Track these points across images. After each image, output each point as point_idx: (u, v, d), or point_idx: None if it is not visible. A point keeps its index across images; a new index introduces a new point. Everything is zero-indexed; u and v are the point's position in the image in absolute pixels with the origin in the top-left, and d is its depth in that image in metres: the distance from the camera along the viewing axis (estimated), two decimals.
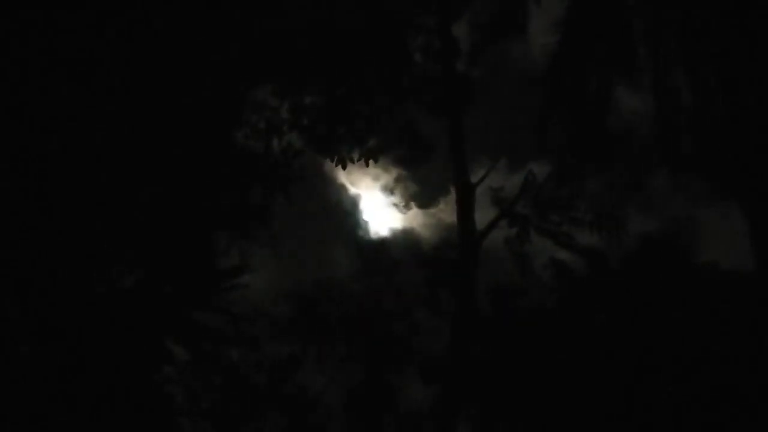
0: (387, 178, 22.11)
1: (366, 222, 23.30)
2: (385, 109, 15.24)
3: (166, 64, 7.14)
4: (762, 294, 11.81)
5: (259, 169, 11.88)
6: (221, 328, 6.99)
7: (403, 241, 22.21)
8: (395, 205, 22.56)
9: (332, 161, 14.72)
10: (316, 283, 20.28)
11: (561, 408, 14.72)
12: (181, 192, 7.27)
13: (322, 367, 19.95)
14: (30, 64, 6.40)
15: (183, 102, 7.36)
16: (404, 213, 22.71)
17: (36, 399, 6.16)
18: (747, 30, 10.75)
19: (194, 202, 7.46)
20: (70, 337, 6.31)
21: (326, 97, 14.58)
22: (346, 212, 23.29)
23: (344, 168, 14.94)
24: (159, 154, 7.11)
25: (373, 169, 16.42)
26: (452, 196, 17.54)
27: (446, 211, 21.00)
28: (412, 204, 22.81)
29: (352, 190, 23.47)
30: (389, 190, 22.47)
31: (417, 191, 22.65)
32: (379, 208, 22.98)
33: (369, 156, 14.94)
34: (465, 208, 17.10)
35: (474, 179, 17.31)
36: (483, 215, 17.48)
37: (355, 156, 14.84)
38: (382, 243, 22.00)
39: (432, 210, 23.20)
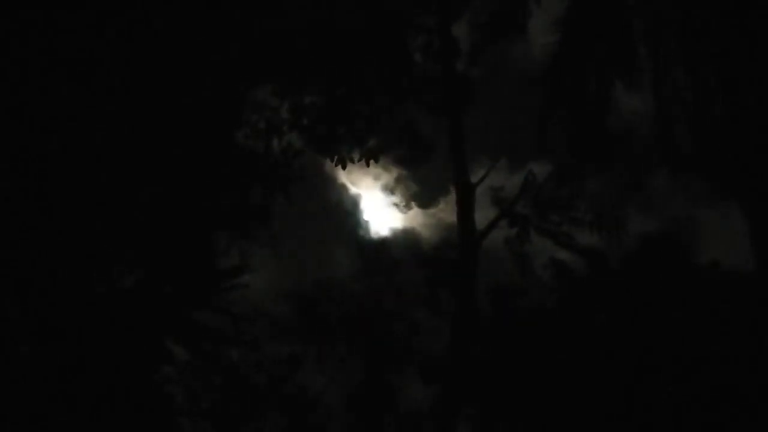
0: (387, 177, 22.12)
1: (366, 222, 23.30)
2: (385, 109, 15.25)
3: (166, 64, 7.14)
4: (762, 294, 11.81)
5: (259, 169, 11.88)
6: (221, 328, 6.99)
7: (403, 240, 22.22)
8: (396, 204, 22.56)
9: (332, 161, 14.72)
10: (316, 283, 20.28)
11: (561, 408, 14.72)
12: (181, 192, 7.27)
13: (322, 367, 19.95)
14: (30, 64, 6.40)
15: (183, 102, 7.36)
16: (405, 213, 22.71)
17: (36, 399, 6.15)
18: (747, 30, 10.75)
19: (194, 202, 7.46)
20: (70, 337, 6.31)
21: (326, 97, 14.59)
22: (347, 212, 23.30)
23: (344, 168, 14.95)
24: (159, 155, 7.11)
25: (373, 168, 16.44)
26: (453, 195, 17.56)
27: (447, 210, 21.00)
28: (413, 204, 22.81)
29: (353, 189, 23.48)
30: (390, 189, 22.47)
31: (417, 191, 22.65)
32: (380, 208, 22.98)
33: (369, 156, 14.94)
34: (465, 208, 17.10)
35: (474, 179, 17.32)
36: (483, 215, 17.50)
37: (356, 156, 14.85)
38: (382, 243, 22.01)
39: (432, 210, 23.20)
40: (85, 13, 6.67)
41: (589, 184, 17.40)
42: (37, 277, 6.34)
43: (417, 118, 16.99)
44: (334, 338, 20.05)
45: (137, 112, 6.90)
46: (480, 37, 17.41)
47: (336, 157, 14.64)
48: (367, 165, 15.07)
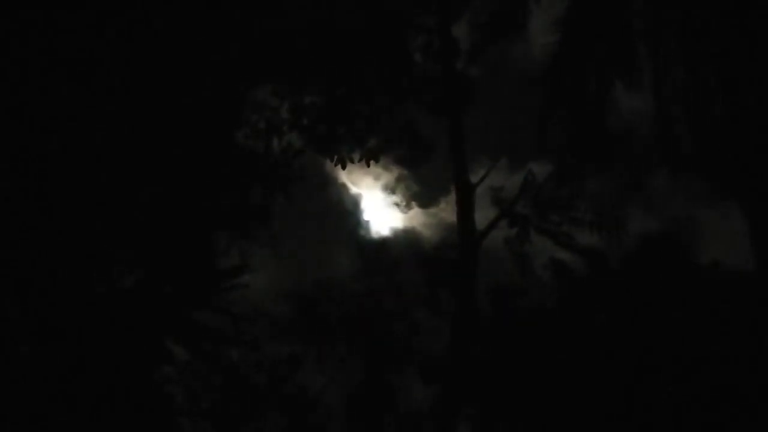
0: (388, 177, 22.11)
1: (367, 222, 23.30)
2: (385, 109, 15.25)
3: (166, 64, 7.14)
4: (762, 294, 11.81)
5: (259, 169, 11.90)
6: (221, 328, 6.99)
7: (404, 240, 22.22)
8: (396, 204, 22.54)
9: (332, 161, 14.72)
10: (316, 283, 20.28)
11: (561, 408, 14.72)
12: (181, 192, 7.27)
13: (322, 367, 19.95)
14: (30, 64, 6.40)
15: (183, 102, 7.36)
16: (405, 212, 22.69)
17: (36, 399, 6.15)
18: (747, 30, 10.75)
19: (194, 202, 7.46)
20: (70, 337, 6.31)
21: (326, 97, 14.58)
22: (347, 212, 23.30)
23: (344, 168, 14.95)
24: (159, 155, 7.11)
25: (374, 168, 16.43)
26: (453, 195, 17.56)
27: (447, 210, 20.99)
28: (413, 203, 22.80)
29: (353, 189, 23.48)
30: (390, 189, 22.46)
31: (418, 191, 22.64)
32: (380, 208, 22.98)
33: (369, 157, 14.95)
34: (465, 208, 17.11)
35: (474, 179, 17.32)
36: (483, 215, 17.51)
37: (356, 156, 14.85)
38: (383, 243, 22.00)
39: (433, 210, 23.20)
40: (85, 13, 6.67)
41: (589, 184, 17.41)
42: (37, 277, 6.34)
43: (417, 118, 16.99)
44: (334, 338, 20.05)
45: (137, 112, 6.89)
46: (480, 37, 17.41)
47: (336, 157, 14.64)
48: (368, 165, 15.09)
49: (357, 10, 13.01)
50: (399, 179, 22.13)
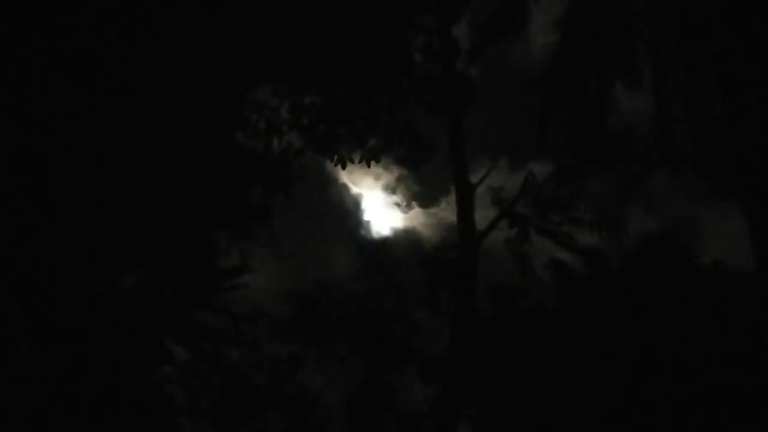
0: (389, 177, 22.11)
1: (368, 222, 23.31)
2: (385, 109, 15.24)
3: (166, 64, 7.14)
4: (762, 294, 11.81)
5: (259, 169, 11.89)
6: (221, 328, 6.99)
7: (404, 240, 22.22)
8: (397, 204, 22.55)
9: (332, 161, 14.72)
10: (316, 283, 20.29)
11: (561, 408, 14.72)
12: (181, 192, 7.27)
13: (322, 367, 19.96)
14: (30, 64, 6.40)
15: (183, 102, 7.36)
16: (406, 212, 22.69)
17: (36, 399, 6.15)
18: (747, 30, 10.75)
19: (194, 202, 7.46)
20: (70, 337, 6.31)
21: (326, 97, 14.57)
22: (348, 212, 23.31)
23: (344, 168, 14.94)
24: (159, 154, 7.11)
25: (374, 168, 16.41)
26: (454, 195, 17.56)
27: (448, 210, 20.98)
28: (414, 203, 22.80)
29: (354, 189, 23.49)
30: (391, 189, 22.47)
31: (419, 191, 22.65)
32: (381, 208, 22.98)
33: (370, 157, 14.94)
34: (465, 208, 17.11)
35: (474, 179, 17.33)
36: (483, 215, 17.51)
37: (356, 157, 14.85)
38: (383, 243, 22.00)
39: (434, 209, 23.21)
40: (85, 13, 6.67)
41: (589, 184, 17.42)
42: (37, 277, 6.34)
43: (417, 118, 16.98)
44: (334, 338, 20.05)
45: (137, 112, 6.90)
46: (480, 37, 17.41)
47: (336, 157, 14.64)
48: (368, 166, 15.07)
49: (357, 10, 13.00)
50: (399, 179, 22.15)
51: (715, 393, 13.58)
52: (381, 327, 20.07)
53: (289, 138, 14.67)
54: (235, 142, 11.84)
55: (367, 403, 19.79)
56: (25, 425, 6.11)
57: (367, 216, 23.35)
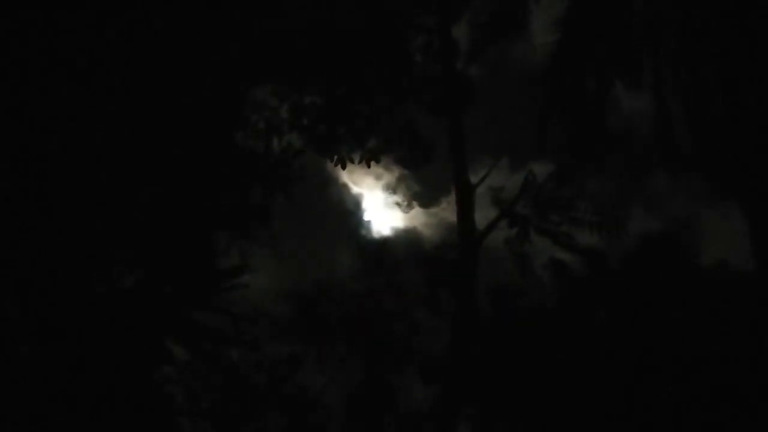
0: (389, 177, 22.10)
1: (368, 221, 23.31)
2: (385, 109, 15.24)
3: (166, 64, 7.14)
4: (762, 294, 11.81)
5: (259, 169, 11.89)
6: (221, 328, 6.98)
7: (404, 240, 22.21)
8: (398, 204, 22.54)
9: (332, 161, 14.72)
10: (316, 283, 20.28)
11: (561, 408, 14.72)
12: (181, 192, 7.27)
13: (322, 367, 19.96)
14: (30, 64, 6.39)
15: (183, 102, 7.36)
16: (407, 212, 22.68)
17: (36, 399, 6.15)
18: (747, 30, 10.75)
19: (194, 202, 7.46)
20: (70, 337, 6.31)
21: (326, 97, 14.58)
22: (348, 212, 23.32)
23: (344, 168, 14.95)
24: (159, 155, 7.11)
25: (375, 168, 16.41)
26: (454, 195, 17.56)
27: (449, 210, 20.95)
28: (415, 203, 22.79)
29: (355, 189, 23.49)
30: (391, 189, 22.46)
31: (419, 190, 22.64)
32: (382, 208, 22.98)
33: (370, 157, 14.95)
34: (465, 208, 17.11)
35: (474, 179, 17.33)
36: (483, 215, 17.52)
37: (356, 157, 14.85)
38: (383, 242, 22.00)
39: (434, 209, 23.20)
40: (85, 13, 6.67)
41: (589, 184, 17.43)
42: (37, 277, 6.34)
43: (417, 118, 16.99)
44: (334, 338, 20.05)
45: (137, 112, 6.89)
46: (480, 37, 17.41)
47: (336, 157, 14.64)
48: (368, 166, 15.09)
49: (357, 10, 13.00)
50: (400, 179, 22.14)
51: (715, 393, 13.58)
52: (381, 327, 20.07)
53: (289, 138, 14.68)
54: (235, 142, 11.83)
55: (367, 403, 19.79)
56: (25, 425, 6.11)
57: (367, 216, 23.37)
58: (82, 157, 6.61)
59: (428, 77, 16.96)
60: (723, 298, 14.55)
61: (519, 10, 16.15)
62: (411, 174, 21.36)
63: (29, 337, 6.32)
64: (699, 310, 14.59)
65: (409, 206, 22.56)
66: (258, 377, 18.59)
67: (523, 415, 15.62)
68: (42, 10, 6.45)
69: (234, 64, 8.39)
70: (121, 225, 6.81)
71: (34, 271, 6.34)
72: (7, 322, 6.26)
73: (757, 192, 10.87)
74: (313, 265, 20.89)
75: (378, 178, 22.22)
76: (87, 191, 6.61)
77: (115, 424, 6.37)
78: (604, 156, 14.31)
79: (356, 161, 14.84)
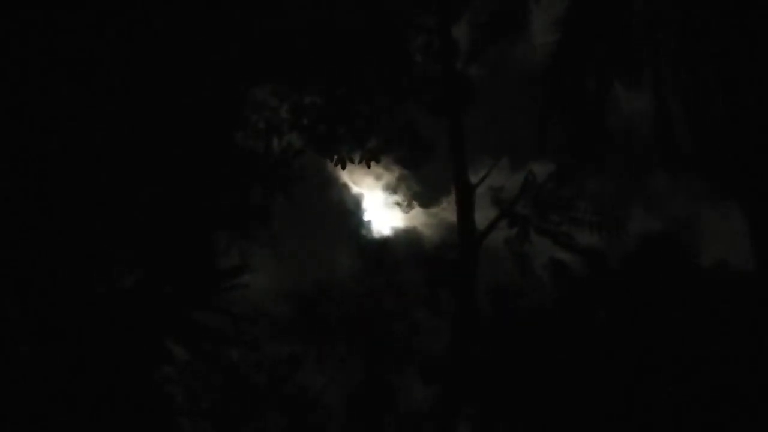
0: (389, 177, 22.11)
1: (368, 221, 23.32)
2: (385, 109, 15.24)
3: (166, 64, 7.14)
4: (762, 294, 11.81)
5: (259, 169, 11.88)
6: (221, 328, 6.98)
7: (405, 240, 22.22)
8: (398, 204, 22.54)
9: (332, 161, 14.72)
10: (316, 283, 20.29)
11: (561, 408, 14.72)
12: (181, 192, 7.26)
13: (322, 367, 19.96)
14: (30, 64, 6.39)
15: (183, 102, 7.36)
16: (407, 212, 22.69)
17: (36, 399, 6.15)
18: (747, 30, 10.75)
19: (194, 202, 7.45)
20: (70, 337, 6.31)
21: (326, 97, 14.57)
22: (349, 212, 23.33)
23: (344, 168, 14.95)
24: (159, 155, 7.11)
25: (375, 168, 16.41)
26: (454, 195, 17.56)
27: (449, 210, 20.95)
28: (415, 203, 22.80)
29: (355, 189, 23.50)
30: (392, 189, 22.47)
31: (419, 190, 22.65)
32: (382, 208, 22.98)
33: (370, 157, 14.94)
34: (465, 208, 17.11)
35: (474, 179, 17.33)
36: (483, 215, 17.52)
37: (356, 157, 14.85)
38: (384, 242, 22.00)
39: (434, 209, 23.21)
40: (85, 13, 6.67)
41: (589, 184, 17.44)
42: (37, 277, 6.34)
43: (417, 118, 16.99)
44: (334, 338, 20.05)
45: (137, 112, 6.89)
46: (480, 37, 17.41)
47: (336, 157, 14.64)
48: (368, 166, 15.08)
49: (357, 10, 13.00)
50: (400, 179, 22.15)
51: (715, 393, 13.58)
52: (381, 327, 20.07)
53: (289, 138, 14.68)
54: (235, 142, 11.83)
55: (367, 403, 19.79)
56: (25, 425, 6.11)
57: (367, 216, 23.38)
58: (82, 158, 6.61)
59: (428, 77, 16.96)
60: (723, 298, 14.55)
61: (519, 10, 16.14)
62: (411, 174, 21.38)
63: (29, 337, 6.31)
64: (699, 310, 14.59)
65: (409, 206, 22.58)
66: (258, 377, 18.60)
67: (523, 415, 15.63)
68: (42, 10, 6.45)
69: (234, 64, 8.39)
70: (121, 225, 6.80)
71: (34, 271, 6.34)
72: (7, 322, 6.26)
73: (757, 192, 10.87)
74: (313, 265, 20.90)
75: (378, 178, 22.24)
76: (87, 191, 6.61)
77: (115, 424, 6.37)
78: (604, 156, 14.31)
79: (356, 161, 14.84)
